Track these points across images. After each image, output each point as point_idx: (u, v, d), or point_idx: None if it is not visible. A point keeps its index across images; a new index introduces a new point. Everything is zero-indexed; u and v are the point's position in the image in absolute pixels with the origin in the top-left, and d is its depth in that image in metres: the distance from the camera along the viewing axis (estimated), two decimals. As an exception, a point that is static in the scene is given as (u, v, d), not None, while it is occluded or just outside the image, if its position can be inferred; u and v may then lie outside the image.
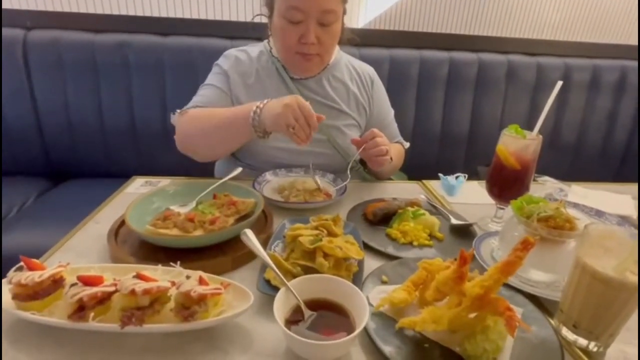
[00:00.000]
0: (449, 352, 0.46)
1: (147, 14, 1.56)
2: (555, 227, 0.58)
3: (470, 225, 0.78)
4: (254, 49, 1.05)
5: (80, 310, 0.44)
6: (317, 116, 0.79)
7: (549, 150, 1.76)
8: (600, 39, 1.87)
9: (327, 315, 0.48)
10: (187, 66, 1.48)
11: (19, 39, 1.44)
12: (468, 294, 0.43)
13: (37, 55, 1.45)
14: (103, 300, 0.45)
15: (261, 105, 0.82)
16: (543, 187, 1.04)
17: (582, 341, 0.49)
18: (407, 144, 1.19)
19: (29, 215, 1.31)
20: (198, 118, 0.92)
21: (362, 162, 1.07)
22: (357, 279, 0.57)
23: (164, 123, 1.53)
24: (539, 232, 0.58)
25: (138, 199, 0.72)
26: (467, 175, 1.02)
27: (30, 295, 0.46)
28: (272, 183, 0.94)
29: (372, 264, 0.64)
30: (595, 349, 0.48)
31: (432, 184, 1.04)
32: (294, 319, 0.47)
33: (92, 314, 0.43)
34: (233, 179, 0.84)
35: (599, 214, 0.85)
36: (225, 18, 1.60)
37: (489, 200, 0.82)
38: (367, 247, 0.69)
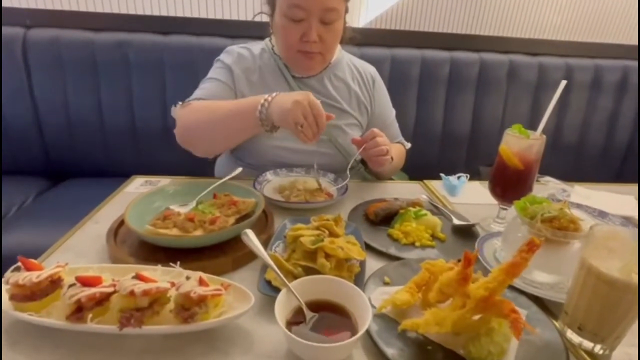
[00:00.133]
0: (453, 355, 0.45)
1: (148, 12, 1.55)
2: (560, 228, 0.57)
3: (473, 225, 0.78)
4: (256, 46, 1.04)
5: (79, 311, 0.43)
6: (326, 115, 0.78)
7: (550, 151, 1.75)
8: (602, 39, 1.86)
9: (329, 316, 0.47)
10: (187, 65, 1.47)
11: (19, 37, 1.43)
12: (472, 295, 0.43)
13: (37, 54, 1.44)
14: (102, 301, 0.44)
15: (269, 99, 0.80)
16: (545, 187, 1.04)
17: (588, 344, 0.48)
18: (408, 145, 1.18)
19: (28, 214, 1.30)
20: (201, 110, 0.89)
21: (363, 162, 1.07)
22: (358, 280, 0.57)
23: (164, 122, 1.52)
24: (542, 233, 0.57)
25: (138, 198, 0.71)
26: (469, 176, 1.01)
27: (27, 295, 0.45)
28: (272, 183, 0.93)
29: (373, 264, 0.64)
30: (601, 352, 0.48)
31: (434, 184, 1.04)
32: (295, 321, 0.47)
33: (90, 315, 0.43)
34: (233, 178, 0.84)
35: (602, 214, 0.85)
36: (226, 17, 1.59)
37: (491, 200, 0.81)
38: (368, 247, 0.68)
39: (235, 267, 0.61)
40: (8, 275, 0.46)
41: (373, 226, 0.77)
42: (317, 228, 0.63)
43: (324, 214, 0.69)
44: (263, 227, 0.71)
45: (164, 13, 1.56)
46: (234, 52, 1.02)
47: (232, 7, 1.58)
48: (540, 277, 0.59)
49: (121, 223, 0.68)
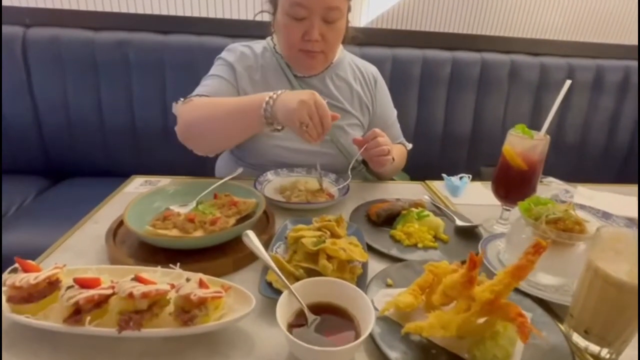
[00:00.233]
0: (457, 359, 0.44)
1: (148, 11, 1.54)
2: (565, 229, 0.56)
3: (476, 227, 0.77)
4: (258, 45, 1.03)
5: (77, 313, 0.43)
6: (332, 115, 0.77)
7: (551, 151, 1.71)
8: (603, 39, 1.85)
9: (331, 319, 0.47)
10: (187, 65, 1.46)
11: (18, 36, 1.42)
12: (477, 298, 0.42)
13: (37, 53, 1.43)
14: (100, 303, 0.44)
15: (274, 96, 0.78)
16: (548, 188, 1.03)
17: (594, 347, 0.47)
18: (409, 145, 1.18)
19: (28, 214, 1.30)
20: (203, 106, 0.88)
21: (364, 162, 1.06)
22: (361, 282, 0.56)
23: (164, 122, 1.51)
24: (547, 235, 0.57)
25: (137, 198, 0.71)
26: (471, 176, 1.00)
27: (25, 297, 0.44)
28: (273, 183, 0.92)
29: (376, 266, 0.63)
30: (607, 356, 0.47)
31: (436, 184, 1.03)
32: (297, 323, 0.46)
33: (88, 318, 0.42)
34: (234, 178, 0.83)
35: (606, 215, 0.84)
36: (227, 16, 1.58)
37: (493, 201, 0.80)
38: (370, 249, 0.67)
39: (236, 269, 0.61)
40: (5, 276, 0.45)
41: (375, 227, 0.76)
42: (319, 229, 0.62)
43: (325, 215, 0.68)
44: (264, 228, 0.71)
45: (164, 12, 1.55)
46: (237, 50, 1.01)
47: (233, 7, 1.57)
48: (545, 279, 0.58)
49: (120, 223, 0.67)
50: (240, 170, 0.89)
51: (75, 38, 1.45)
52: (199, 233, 0.63)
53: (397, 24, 1.71)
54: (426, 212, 0.76)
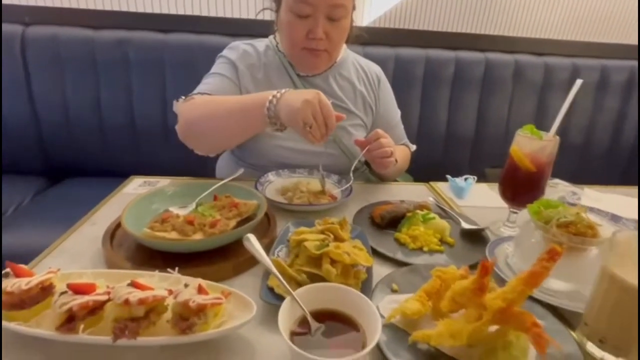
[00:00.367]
0: (467, 369, 0.43)
1: (148, 10, 1.52)
2: (577, 233, 0.55)
3: (482, 230, 0.75)
4: (260, 43, 1.02)
5: (70, 320, 0.41)
6: (337, 115, 0.75)
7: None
8: (608, 39, 1.83)
9: (336, 327, 0.45)
10: (188, 64, 1.45)
11: (17, 34, 1.41)
12: (489, 306, 0.40)
13: (36, 51, 1.42)
14: (95, 310, 0.42)
15: (278, 95, 0.76)
16: (555, 190, 1.01)
17: (610, 357, 0.45)
18: (413, 147, 1.16)
19: (26, 214, 1.28)
20: (205, 104, 0.86)
21: (367, 163, 1.04)
22: (366, 288, 0.54)
23: (164, 121, 1.50)
24: (558, 239, 0.55)
25: (135, 199, 0.69)
26: (476, 177, 0.98)
27: (16, 303, 0.42)
28: (275, 184, 0.90)
29: (380, 270, 0.61)
30: (623, 366, 0.45)
31: (440, 185, 1.01)
32: (299, 331, 0.44)
33: (82, 326, 0.40)
34: (235, 179, 0.81)
35: (615, 218, 0.82)
36: (228, 15, 1.57)
37: (499, 203, 0.78)
38: (374, 252, 0.65)
39: (236, 273, 0.59)
40: (-3, 281, 0.44)
41: (379, 230, 0.74)
42: (322, 232, 0.61)
43: (328, 217, 0.66)
44: (265, 231, 0.69)
45: (164, 11, 1.53)
46: (239, 48, 0.99)
47: (234, 5, 1.55)
48: (555, 284, 0.56)
49: (118, 225, 0.65)
50: (241, 171, 0.87)
51: (74, 36, 1.43)
52: (198, 236, 0.61)
53: (399, 23, 1.69)
54: (432, 215, 0.74)
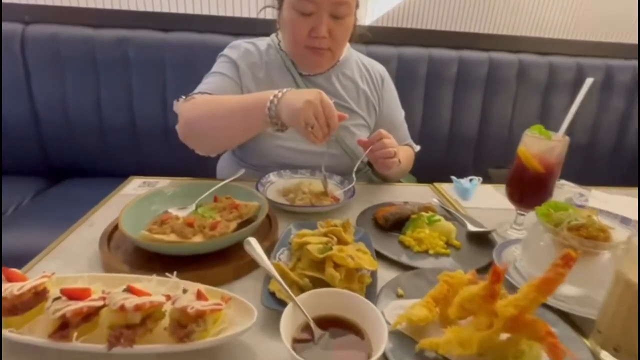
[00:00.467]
0: (476, 378, 0.41)
1: (148, 9, 1.51)
2: (588, 237, 0.53)
3: (489, 232, 0.73)
4: (262, 42, 1.00)
5: (64, 327, 0.39)
6: (339, 115, 0.73)
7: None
8: (613, 38, 1.81)
9: (340, 334, 0.43)
10: (188, 63, 1.44)
11: (17, 33, 1.40)
12: (500, 314, 0.38)
13: (36, 50, 1.41)
14: (89, 316, 0.40)
15: (279, 95, 0.74)
16: (561, 191, 0.99)
17: (625, 367, 0.44)
18: (417, 147, 1.14)
19: (26, 214, 1.27)
20: (206, 104, 0.85)
21: (370, 164, 1.02)
22: (370, 293, 0.52)
23: (165, 121, 1.48)
24: (569, 242, 0.53)
25: (134, 201, 0.67)
26: (481, 179, 0.96)
27: (8, 309, 0.41)
28: (276, 185, 0.89)
29: (385, 274, 0.59)
30: (639, 376, 0.43)
31: (444, 187, 0.99)
32: (302, 338, 0.42)
33: (75, 333, 0.38)
34: (235, 180, 0.79)
35: (625, 221, 0.80)
36: (229, 14, 1.55)
37: (506, 204, 0.77)
38: (378, 255, 0.64)
39: (236, 277, 0.57)
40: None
41: (383, 232, 0.73)
42: (325, 235, 0.59)
43: (330, 219, 0.64)
44: (266, 233, 0.67)
45: (165, 9, 1.52)
46: (240, 47, 0.98)
47: (235, 4, 1.54)
48: (566, 290, 0.54)
49: (115, 227, 0.64)
50: (242, 171, 0.86)
51: (74, 35, 1.42)
52: (198, 238, 0.60)
53: (402, 22, 1.68)
54: (437, 217, 0.73)
